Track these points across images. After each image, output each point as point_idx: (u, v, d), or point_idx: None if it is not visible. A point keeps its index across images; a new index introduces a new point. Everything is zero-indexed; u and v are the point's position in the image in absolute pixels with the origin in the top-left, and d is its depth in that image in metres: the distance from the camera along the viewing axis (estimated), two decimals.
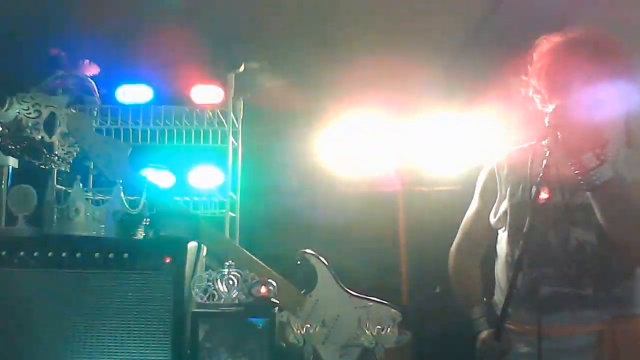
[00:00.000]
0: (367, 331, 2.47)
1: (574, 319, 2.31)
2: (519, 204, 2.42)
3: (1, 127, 2.60)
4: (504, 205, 2.48)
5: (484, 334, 2.44)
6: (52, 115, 2.67)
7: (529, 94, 2.49)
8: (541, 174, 2.24)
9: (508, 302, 2.26)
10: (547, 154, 2.26)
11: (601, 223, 2.26)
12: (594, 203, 2.25)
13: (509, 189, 2.48)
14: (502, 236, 2.52)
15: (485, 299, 2.55)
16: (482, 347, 2.42)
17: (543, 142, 2.42)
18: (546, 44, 2.45)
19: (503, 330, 2.32)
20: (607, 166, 2.19)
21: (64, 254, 2.40)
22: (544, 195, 2.26)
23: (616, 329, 2.28)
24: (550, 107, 2.39)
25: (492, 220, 2.54)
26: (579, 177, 2.22)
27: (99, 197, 3.02)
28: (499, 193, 2.52)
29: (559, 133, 2.24)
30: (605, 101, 2.28)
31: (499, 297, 2.51)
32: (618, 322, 2.29)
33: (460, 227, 2.68)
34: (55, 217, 2.51)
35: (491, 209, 2.55)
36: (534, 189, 2.28)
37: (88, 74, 3.11)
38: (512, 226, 2.45)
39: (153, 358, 2.35)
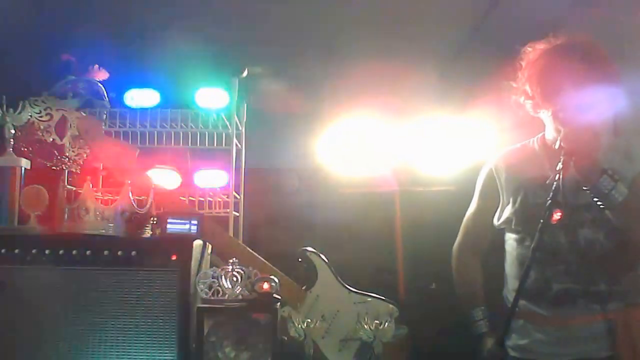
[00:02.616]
0: (365, 326, 2.51)
1: (586, 311, 2.36)
2: (523, 208, 2.46)
3: (14, 129, 2.62)
4: (508, 210, 2.52)
5: (489, 342, 2.48)
6: (63, 118, 2.69)
7: (520, 101, 2.53)
8: (551, 195, 2.26)
9: (516, 302, 2.30)
10: (557, 177, 2.27)
11: (622, 229, 2.32)
12: (612, 216, 2.30)
13: (511, 196, 2.51)
14: (510, 236, 2.56)
15: (486, 302, 2.60)
16: (488, 355, 2.46)
17: (535, 146, 2.51)
18: (535, 51, 2.48)
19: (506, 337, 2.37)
20: (621, 183, 2.23)
21: (74, 252, 2.42)
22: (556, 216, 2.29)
23: (630, 317, 2.33)
24: (543, 113, 2.46)
25: (496, 223, 2.58)
26: (596, 200, 2.27)
27: (108, 196, 3.01)
28: (500, 198, 2.56)
29: (572, 160, 2.26)
30: (597, 104, 2.33)
31: (508, 292, 2.56)
32: (631, 311, 2.35)
33: (461, 226, 2.72)
34: (65, 216, 2.53)
35: (491, 209, 2.59)
36: (539, 194, 2.36)
37: (97, 78, 3.13)
38: (520, 229, 2.49)
39: (160, 352, 2.38)
